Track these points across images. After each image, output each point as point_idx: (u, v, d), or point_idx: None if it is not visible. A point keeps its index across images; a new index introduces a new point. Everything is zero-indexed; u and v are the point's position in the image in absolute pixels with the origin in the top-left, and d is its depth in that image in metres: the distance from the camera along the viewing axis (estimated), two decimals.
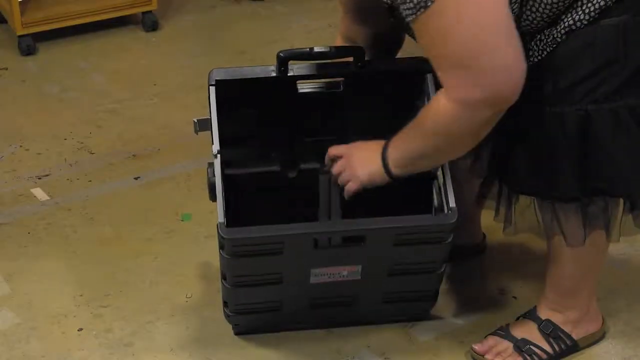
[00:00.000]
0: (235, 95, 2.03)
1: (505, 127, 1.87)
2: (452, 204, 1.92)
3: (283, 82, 2.03)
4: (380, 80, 2.05)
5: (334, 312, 2.15)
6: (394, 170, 1.88)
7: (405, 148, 1.85)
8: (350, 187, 1.93)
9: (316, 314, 2.13)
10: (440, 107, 1.73)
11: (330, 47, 1.98)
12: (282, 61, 1.99)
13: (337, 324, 2.21)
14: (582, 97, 1.82)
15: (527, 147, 1.89)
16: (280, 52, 1.99)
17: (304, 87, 2.06)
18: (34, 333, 2.25)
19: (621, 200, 1.96)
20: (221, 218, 1.89)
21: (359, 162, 1.92)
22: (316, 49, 1.97)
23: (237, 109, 2.06)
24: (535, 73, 1.81)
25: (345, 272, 1.98)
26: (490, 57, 1.65)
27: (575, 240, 1.97)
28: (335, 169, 1.96)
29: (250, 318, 2.13)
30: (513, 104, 1.72)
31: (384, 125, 1.97)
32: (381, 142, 1.89)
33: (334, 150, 1.97)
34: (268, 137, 2.13)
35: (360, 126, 2.09)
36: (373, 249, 1.94)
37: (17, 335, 2.24)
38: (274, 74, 2.00)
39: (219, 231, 1.88)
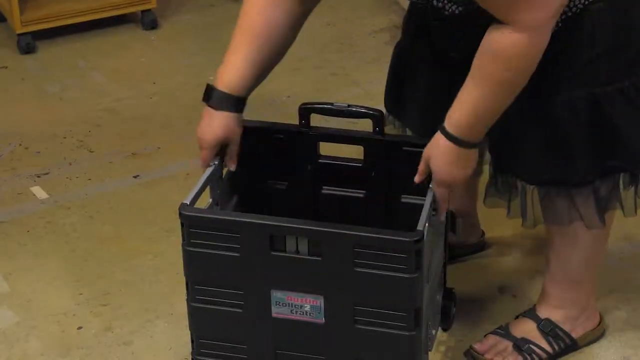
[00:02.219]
0: (255, 145, 2.06)
1: (512, 122, 1.88)
2: (421, 227, 1.81)
3: (304, 139, 2.06)
4: (400, 152, 2.03)
5: None
6: (473, 138, 1.81)
7: (474, 113, 1.78)
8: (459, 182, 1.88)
9: None
10: (512, 43, 1.70)
11: (350, 105, 2.00)
12: (304, 114, 2.04)
13: None
14: (588, 82, 1.84)
15: (539, 138, 1.90)
16: (302, 104, 2.03)
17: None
18: (33, 332, 2.25)
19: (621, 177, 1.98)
20: (188, 200, 1.89)
21: (449, 166, 1.84)
22: (336, 105, 1.99)
23: (259, 161, 2.09)
24: (538, 64, 1.83)
25: (308, 307, 1.88)
26: None
27: (594, 223, 1.98)
28: (441, 196, 1.87)
29: None
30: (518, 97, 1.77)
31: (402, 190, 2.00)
32: (439, 135, 1.83)
33: (419, 177, 1.89)
34: (290, 190, 2.14)
35: (381, 195, 2.09)
36: (332, 265, 1.83)
37: (17, 334, 2.24)
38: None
39: (180, 211, 1.87)
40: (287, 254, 1.85)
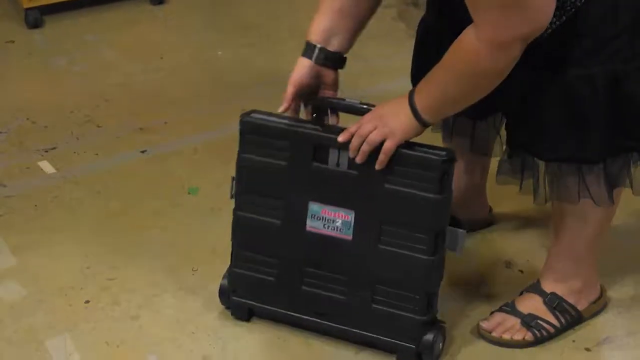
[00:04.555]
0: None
1: (530, 97, 1.88)
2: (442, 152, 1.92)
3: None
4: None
5: (325, 303, 2.06)
6: (426, 117, 1.87)
7: (434, 92, 1.86)
8: (389, 145, 1.89)
9: (308, 300, 2.07)
10: (470, 47, 1.76)
11: (361, 102, 2.00)
12: (314, 108, 2.04)
13: (328, 331, 2.10)
14: (608, 58, 1.84)
15: (556, 113, 1.89)
16: (312, 99, 2.04)
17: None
18: (40, 305, 2.25)
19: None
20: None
21: (391, 117, 1.89)
22: (348, 101, 2.01)
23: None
24: (557, 38, 1.83)
25: (339, 222, 1.98)
26: None
27: (603, 201, 1.99)
28: (365, 128, 1.90)
29: (247, 281, 2.11)
30: (535, 71, 1.82)
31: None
32: (405, 95, 1.89)
33: (364, 120, 1.93)
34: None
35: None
36: (365, 179, 1.94)
37: (24, 308, 2.25)
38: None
39: (241, 118, 2.01)
40: (327, 166, 1.97)
